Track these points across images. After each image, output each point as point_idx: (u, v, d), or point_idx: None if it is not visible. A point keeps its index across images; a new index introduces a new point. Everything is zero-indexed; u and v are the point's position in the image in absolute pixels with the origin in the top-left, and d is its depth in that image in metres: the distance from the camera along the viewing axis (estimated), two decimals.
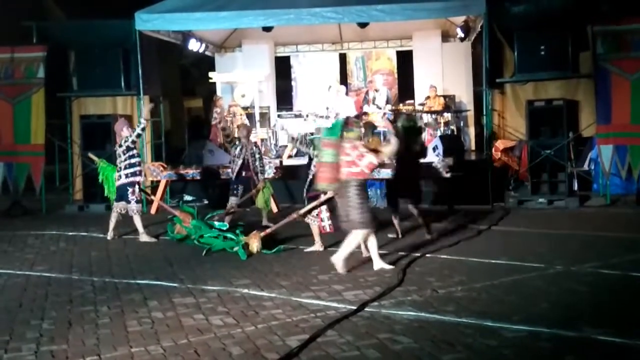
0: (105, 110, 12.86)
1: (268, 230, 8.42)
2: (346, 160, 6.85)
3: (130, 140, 9.08)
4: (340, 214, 7.03)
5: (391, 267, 7.00)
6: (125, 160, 9.12)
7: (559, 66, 11.52)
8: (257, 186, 9.81)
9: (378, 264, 6.99)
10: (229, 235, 8.31)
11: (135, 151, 9.21)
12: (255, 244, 8.00)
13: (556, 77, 11.88)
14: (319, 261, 7.50)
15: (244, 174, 9.78)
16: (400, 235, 8.79)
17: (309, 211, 7.94)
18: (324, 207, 7.91)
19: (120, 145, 9.16)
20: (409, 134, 8.69)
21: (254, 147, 9.91)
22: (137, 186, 9.18)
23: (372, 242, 7.04)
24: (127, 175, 9.12)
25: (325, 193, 7.45)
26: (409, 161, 8.75)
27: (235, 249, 8.00)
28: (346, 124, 7.00)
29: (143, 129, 9.24)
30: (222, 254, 8.05)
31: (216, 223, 8.79)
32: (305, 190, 8.24)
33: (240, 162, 9.74)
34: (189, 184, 12.71)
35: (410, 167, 8.83)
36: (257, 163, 9.79)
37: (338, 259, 6.92)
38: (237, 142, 9.80)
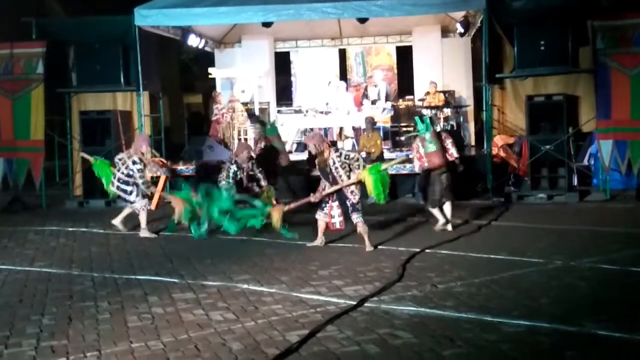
0: (105, 106, 12.87)
1: (292, 206, 8.41)
2: (445, 147, 8.78)
3: (135, 168, 9.07)
4: (439, 191, 8.77)
5: (450, 229, 8.74)
6: (122, 177, 9.17)
7: (559, 61, 11.48)
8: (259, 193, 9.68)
9: (450, 226, 8.84)
10: (253, 201, 8.30)
11: (132, 180, 9.13)
12: (277, 217, 8.08)
13: (556, 72, 11.84)
14: (319, 256, 7.51)
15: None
16: None
17: (327, 196, 7.90)
18: (334, 204, 7.91)
19: (125, 161, 9.19)
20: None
21: (251, 164, 9.52)
22: (133, 187, 9.18)
23: (449, 207, 8.90)
24: (117, 188, 9.25)
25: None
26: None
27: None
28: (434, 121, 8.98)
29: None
30: (222, 250, 8.05)
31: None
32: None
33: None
34: (189, 180, 12.66)
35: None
36: (255, 175, 9.50)
37: (450, 225, 8.81)
38: (233, 162, 9.29)
